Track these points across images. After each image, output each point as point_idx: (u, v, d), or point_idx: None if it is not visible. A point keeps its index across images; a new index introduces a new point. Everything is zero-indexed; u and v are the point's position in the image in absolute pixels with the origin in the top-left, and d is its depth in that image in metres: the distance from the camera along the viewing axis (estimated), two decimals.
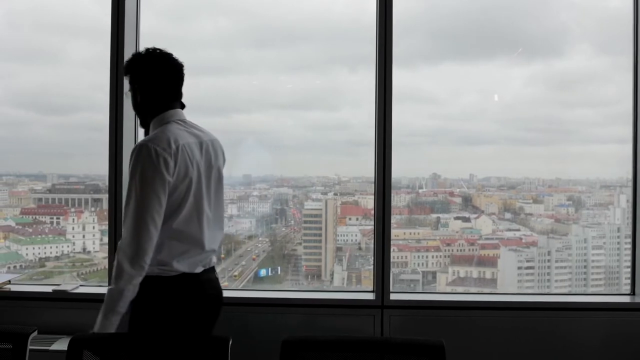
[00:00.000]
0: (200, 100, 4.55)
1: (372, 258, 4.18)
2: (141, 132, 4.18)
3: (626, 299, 4.20)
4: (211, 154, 2.95)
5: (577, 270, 4.68)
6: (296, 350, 2.49)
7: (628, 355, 3.96)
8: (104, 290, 4.01)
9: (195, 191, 2.82)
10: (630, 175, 4.27)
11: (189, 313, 2.81)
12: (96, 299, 4.04)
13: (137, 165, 2.67)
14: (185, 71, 2.95)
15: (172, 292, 2.80)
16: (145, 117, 2.94)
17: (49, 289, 4.14)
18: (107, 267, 4.12)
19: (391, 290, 4.04)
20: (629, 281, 4.25)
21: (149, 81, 2.88)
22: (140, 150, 2.69)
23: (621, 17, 4.39)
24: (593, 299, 4.32)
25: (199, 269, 2.89)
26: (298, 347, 2.50)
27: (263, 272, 4.82)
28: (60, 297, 4.07)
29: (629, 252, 4.26)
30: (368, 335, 3.91)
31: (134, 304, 2.75)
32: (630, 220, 4.29)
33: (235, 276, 4.79)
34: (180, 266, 2.80)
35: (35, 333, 2.82)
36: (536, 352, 3.96)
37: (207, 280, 2.95)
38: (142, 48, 2.97)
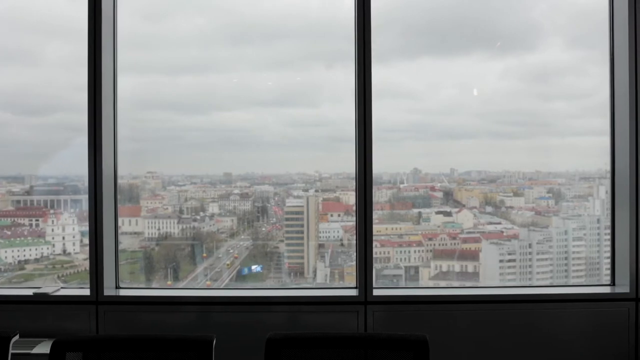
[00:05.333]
0: (180, 99, 4.53)
1: (354, 254, 4.18)
2: (121, 132, 4.19)
3: (606, 290, 4.24)
4: None
5: (558, 262, 4.71)
6: (281, 348, 2.49)
7: (609, 344, 4.01)
8: (85, 292, 4.04)
9: None
10: (608, 167, 4.32)
11: None
12: (78, 301, 4.05)
13: None
14: (164, 70, 2.92)
15: None
16: None
17: (29, 292, 4.09)
18: (87, 268, 4.09)
19: (374, 286, 4.06)
20: (609, 272, 4.29)
21: None
22: None
23: (591, 12, 4.46)
24: (574, 290, 4.35)
25: None
26: (283, 344, 2.50)
27: (246, 270, 4.81)
28: (41, 300, 4.03)
29: (609, 242, 4.31)
30: (351, 331, 3.92)
31: None
32: (609, 212, 4.33)
33: (227, 265, 4.79)
34: None
35: (17, 337, 2.79)
36: (519, 344, 4.00)
37: None
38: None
